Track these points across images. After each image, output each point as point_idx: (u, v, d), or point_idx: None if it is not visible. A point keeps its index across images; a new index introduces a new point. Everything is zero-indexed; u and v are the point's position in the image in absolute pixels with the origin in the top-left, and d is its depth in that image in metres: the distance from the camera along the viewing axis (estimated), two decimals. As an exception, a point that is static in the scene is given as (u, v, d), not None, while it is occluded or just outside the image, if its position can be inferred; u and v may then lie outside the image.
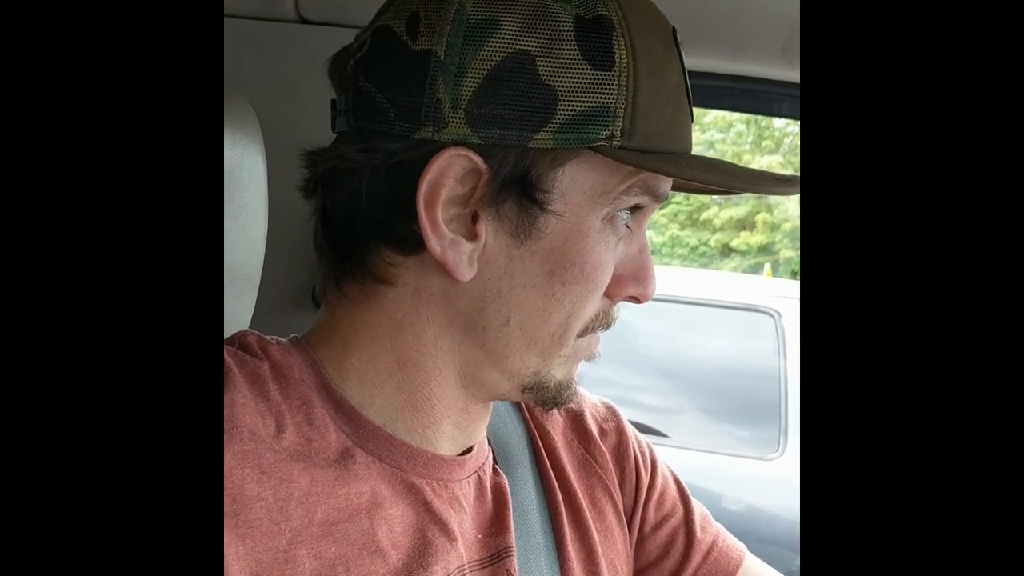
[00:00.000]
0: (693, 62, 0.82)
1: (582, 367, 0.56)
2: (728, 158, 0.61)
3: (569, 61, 0.46)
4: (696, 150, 0.52)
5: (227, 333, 0.52)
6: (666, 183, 0.52)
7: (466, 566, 0.51)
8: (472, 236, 0.49)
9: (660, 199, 0.52)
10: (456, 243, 0.48)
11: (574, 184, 0.49)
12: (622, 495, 0.65)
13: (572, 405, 0.65)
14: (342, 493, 0.47)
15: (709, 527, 0.68)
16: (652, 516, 0.66)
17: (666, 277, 3.85)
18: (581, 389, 0.68)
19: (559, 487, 0.61)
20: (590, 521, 0.61)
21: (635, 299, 0.54)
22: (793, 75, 0.81)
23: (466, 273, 0.49)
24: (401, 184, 0.48)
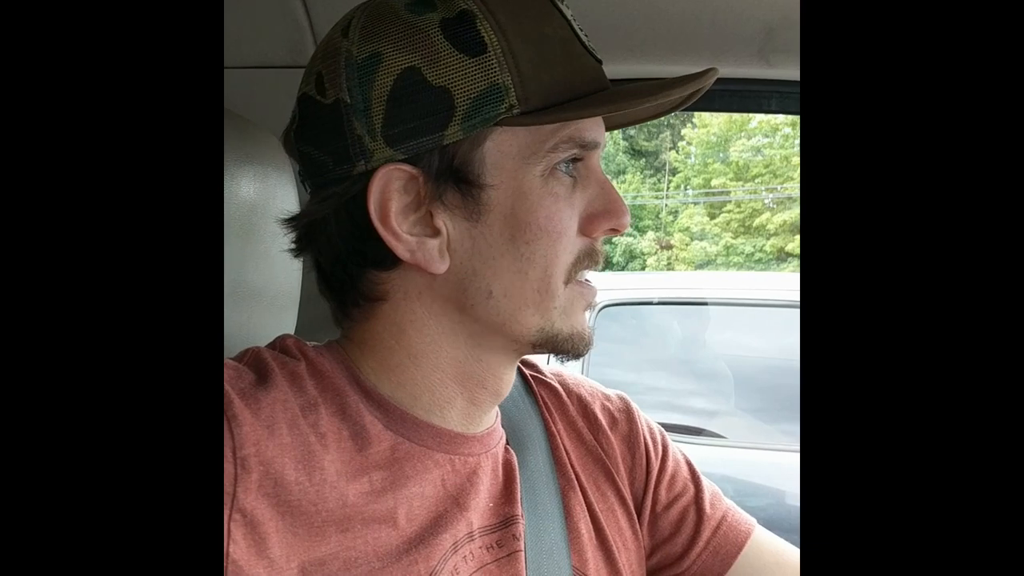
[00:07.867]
0: (679, 69, 0.89)
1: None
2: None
3: (449, 59, 0.52)
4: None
5: None
6: (588, 131, 0.56)
7: (475, 531, 0.58)
8: (434, 232, 0.55)
9: (590, 146, 0.56)
10: (422, 243, 0.55)
11: (500, 156, 0.55)
12: (633, 478, 0.71)
13: (584, 395, 0.72)
14: (368, 478, 0.54)
15: (719, 504, 0.72)
16: (664, 496, 0.71)
17: (701, 281, 3.85)
18: (598, 385, 0.75)
19: (569, 465, 0.67)
20: (593, 499, 0.67)
21: (613, 231, 0.58)
22: (771, 73, 0.87)
23: (440, 266, 0.55)
24: (359, 215, 0.55)
